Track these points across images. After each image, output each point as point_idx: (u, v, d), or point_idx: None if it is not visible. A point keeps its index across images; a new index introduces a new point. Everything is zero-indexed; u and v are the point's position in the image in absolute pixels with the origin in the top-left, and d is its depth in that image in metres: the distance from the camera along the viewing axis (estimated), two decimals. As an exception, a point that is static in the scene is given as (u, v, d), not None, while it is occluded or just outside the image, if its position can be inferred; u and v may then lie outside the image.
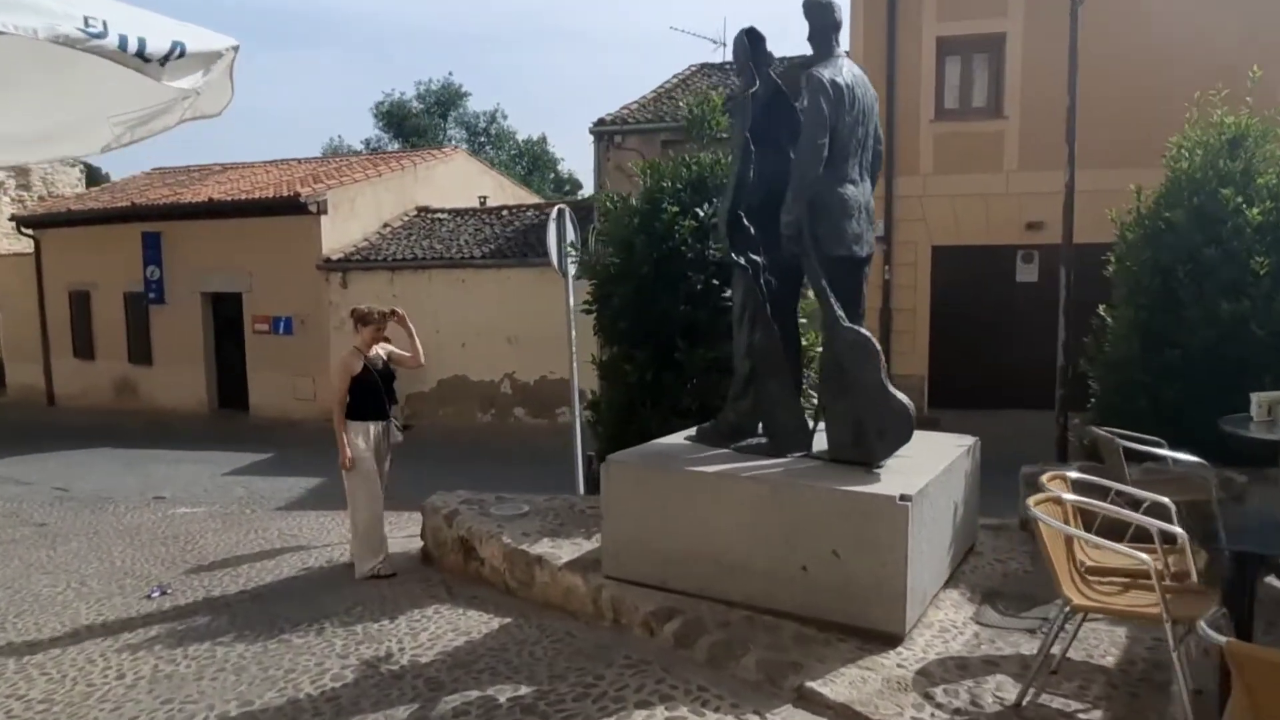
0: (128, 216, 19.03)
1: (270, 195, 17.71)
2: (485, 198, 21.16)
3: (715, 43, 18.80)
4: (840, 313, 4.38)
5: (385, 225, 19.01)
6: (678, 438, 5.32)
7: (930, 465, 4.45)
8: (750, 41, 5.00)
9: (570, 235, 8.31)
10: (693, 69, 18.43)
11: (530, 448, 14.87)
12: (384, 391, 6.05)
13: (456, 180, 21.08)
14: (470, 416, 16.96)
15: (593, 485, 8.87)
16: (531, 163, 47.78)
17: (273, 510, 9.92)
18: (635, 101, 16.53)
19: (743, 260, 4.82)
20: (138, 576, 6.54)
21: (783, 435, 4.76)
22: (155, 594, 5.99)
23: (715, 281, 6.24)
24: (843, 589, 4.08)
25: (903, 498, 3.94)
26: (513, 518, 5.97)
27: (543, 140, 49.92)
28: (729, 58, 19.27)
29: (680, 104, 16.82)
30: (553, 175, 48.32)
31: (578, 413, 8.49)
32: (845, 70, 4.53)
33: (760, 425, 4.97)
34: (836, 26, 4.63)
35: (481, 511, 6.11)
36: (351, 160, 22.36)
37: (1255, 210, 5.58)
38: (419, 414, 17.25)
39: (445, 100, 46.22)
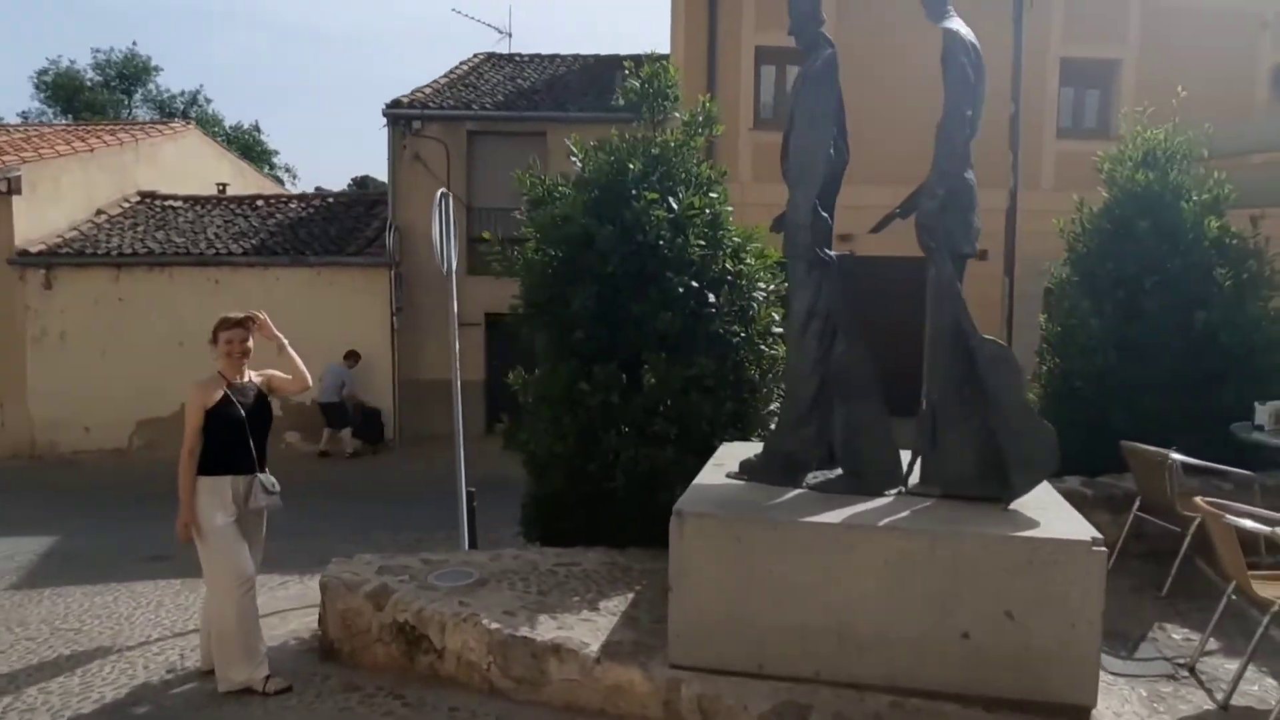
0: None
1: (-65, 167, 13.54)
2: (225, 185, 18.07)
3: (501, 32, 17.49)
4: (974, 322, 3.67)
5: (100, 212, 15.42)
6: (713, 475, 4.30)
7: (1048, 497, 3.88)
8: (814, -5, 4.12)
9: (450, 226, 6.85)
10: (480, 58, 17.04)
11: (316, 480, 12.64)
12: (253, 431, 4.35)
13: (188, 163, 17.77)
14: (227, 444, 14.12)
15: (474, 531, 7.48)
16: (243, 152, 42.72)
17: (4, 590, 7.19)
18: (428, 86, 14.83)
19: (823, 256, 3.95)
20: None
21: (873, 469, 3.95)
22: (-104, 764, 3.77)
23: (695, 284, 5.28)
24: (1016, 657, 3.36)
25: (1096, 541, 3.30)
26: (470, 588, 4.56)
27: (255, 128, 44.98)
28: (516, 48, 18.17)
29: (473, 89, 15.29)
30: (268, 168, 43.54)
31: (460, 443, 7.03)
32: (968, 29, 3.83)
33: (832, 457, 4.12)
34: (952, -21, 3.90)
35: (421, 585, 4.61)
36: (45, 130, 17.98)
37: (1215, 223, 5.77)
38: (156, 444, 14.16)
39: (130, 74, 39.97)
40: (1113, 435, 5.42)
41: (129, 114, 38.29)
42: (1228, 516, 3.52)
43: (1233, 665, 3.77)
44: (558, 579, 4.72)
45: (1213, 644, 4.02)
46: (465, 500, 7.15)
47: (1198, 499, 3.78)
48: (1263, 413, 5.07)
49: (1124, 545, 5.15)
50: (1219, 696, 3.57)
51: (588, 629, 4.05)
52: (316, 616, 5.21)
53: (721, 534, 3.58)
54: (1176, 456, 4.66)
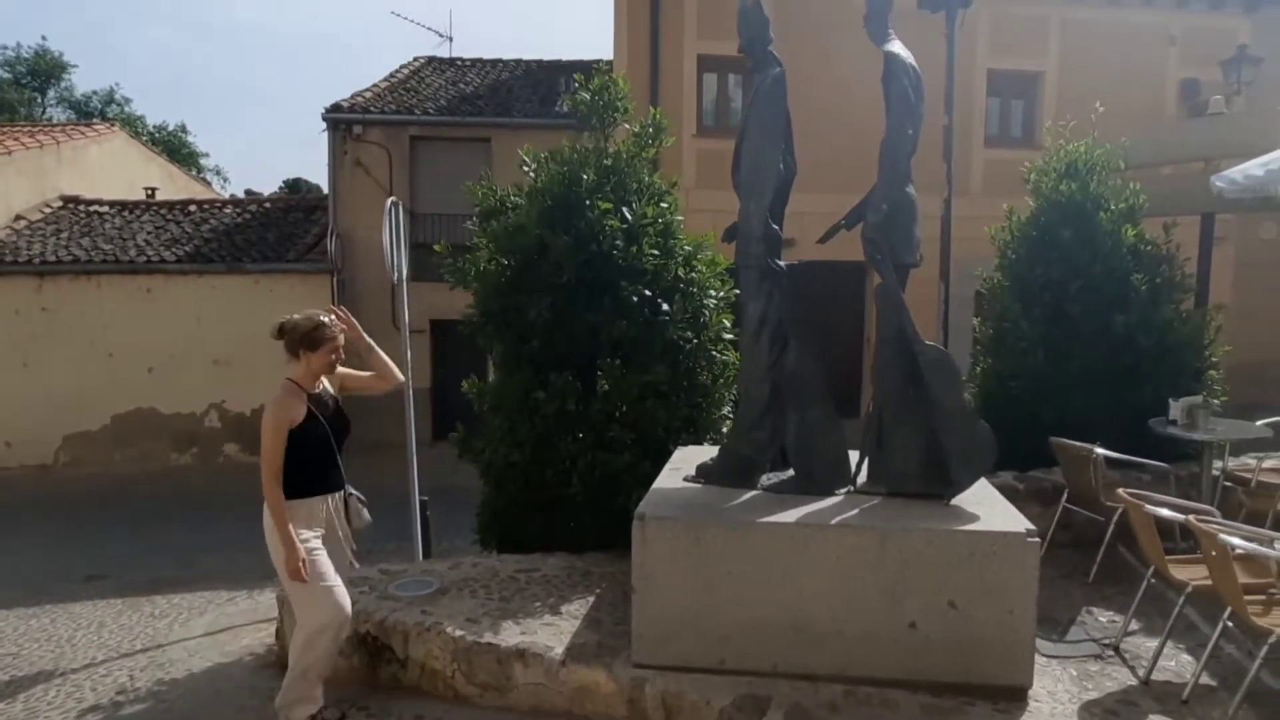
0: None
1: None
2: (154, 189, 17.58)
3: (441, 35, 17.36)
4: (917, 329, 3.89)
5: (19, 218, 14.88)
6: (671, 479, 4.43)
7: (986, 493, 4.12)
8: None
9: (402, 234, 6.87)
10: (420, 61, 16.92)
11: (259, 491, 12.37)
12: (338, 448, 3.91)
13: (114, 166, 17.24)
14: (161, 459, 13.77)
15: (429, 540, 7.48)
16: (170, 154, 41.47)
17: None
18: (369, 90, 14.67)
19: (774, 266, 4.14)
20: None
21: (823, 469, 4.14)
22: None
23: (648, 292, 5.41)
24: (959, 644, 3.57)
25: (1030, 533, 3.54)
26: (432, 597, 4.61)
27: (181, 129, 43.73)
28: (457, 52, 18.09)
29: (414, 94, 15.07)
30: (196, 170, 42.27)
31: (413, 451, 7.05)
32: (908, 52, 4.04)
33: (784, 459, 4.31)
34: (890, 4, 4.11)
35: (382, 595, 4.64)
36: (-44, 131, 17.21)
37: (1131, 231, 6.14)
38: (83, 459, 13.71)
39: (41, 71, 38.50)
40: (1042, 431, 5.73)
41: (43, 113, 36.87)
42: (1147, 506, 3.81)
43: (1153, 643, 4.06)
44: (519, 585, 4.79)
45: (1135, 624, 4.33)
46: (419, 510, 7.17)
47: (1120, 490, 4.07)
48: (1176, 409, 5.44)
49: (1053, 535, 5.45)
50: (1141, 673, 3.86)
51: (551, 633, 4.15)
52: (270, 631, 5.22)
53: (683, 536, 3.72)
54: (1100, 451, 4.97)
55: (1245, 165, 5.37)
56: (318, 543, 3.76)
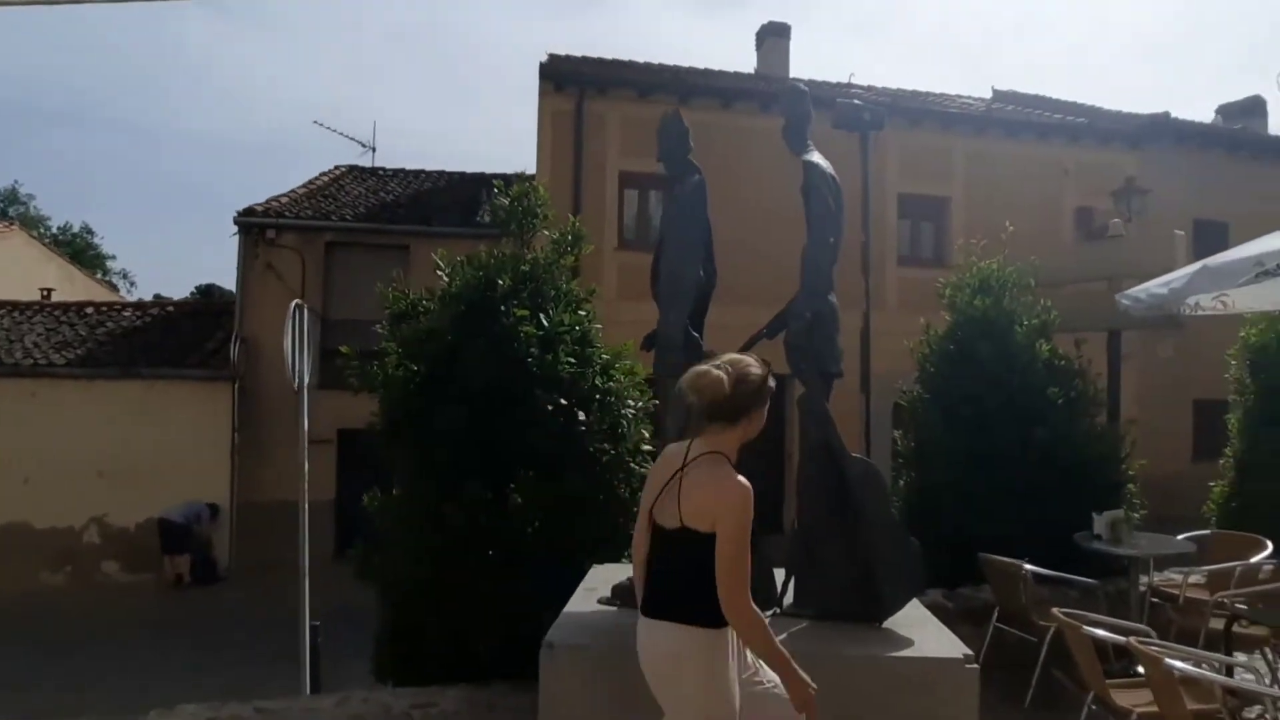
0: None
1: None
2: (50, 290, 16.72)
3: (364, 146, 17.41)
4: (843, 441, 3.73)
5: (-103, 317, 13.85)
6: (585, 601, 4.09)
7: (918, 614, 3.90)
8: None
9: (305, 339, 6.52)
10: (341, 170, 16.84)
11: (138, 614, 11.28)
12: None
13: (10, 265, 16.46)
14: (29, 579, 12.49)
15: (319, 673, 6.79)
16: (73, 256, 40.13)
17: None
18: (285, 195, 14.44)
19: (695, 374, 3.95)
20: None
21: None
22: None
23: (564, 401, 5.17)
24: (899, 783, 3.26)
25: (968, 658, 3.31)
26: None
27: (86, 230, 42.67)
28: (379, 162, 18.08)
29: (333, 200, 14.93)
30: (101, 272, 40.85)
31: (305, 570, 6.48)
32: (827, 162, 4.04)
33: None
34: (810, 117, 4.13)
35: (259, 738, 4.08)
36: None
37: (1046, 347, 6.24)
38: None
39: (-62, 171, 37.33)
40: (969, 547, 5.59)
41: (-66, 214, 35.46)
42: (1084, 628, 3.63)
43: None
44: (421, 726, 4.29)
45: (1077, 756, 4.07)
46: (308, 637, 6.55)
47: (1055, 610, 3.90)
48: (1100, 523, 5.37)
49: (986, 657, 5.22)
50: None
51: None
52: (125, 782, 4.54)
53: (595, 666, 3.36)
54: (1029, 568, 4.83)
55: (1148, 284, 5.53)
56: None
